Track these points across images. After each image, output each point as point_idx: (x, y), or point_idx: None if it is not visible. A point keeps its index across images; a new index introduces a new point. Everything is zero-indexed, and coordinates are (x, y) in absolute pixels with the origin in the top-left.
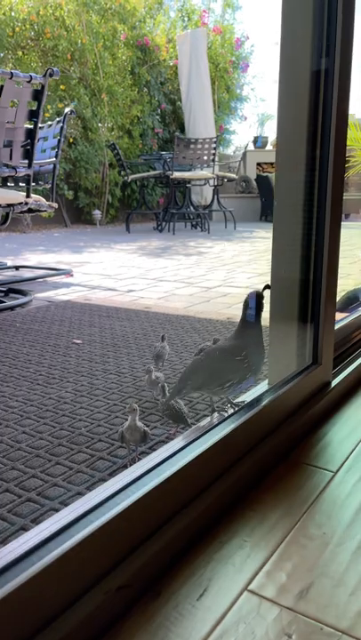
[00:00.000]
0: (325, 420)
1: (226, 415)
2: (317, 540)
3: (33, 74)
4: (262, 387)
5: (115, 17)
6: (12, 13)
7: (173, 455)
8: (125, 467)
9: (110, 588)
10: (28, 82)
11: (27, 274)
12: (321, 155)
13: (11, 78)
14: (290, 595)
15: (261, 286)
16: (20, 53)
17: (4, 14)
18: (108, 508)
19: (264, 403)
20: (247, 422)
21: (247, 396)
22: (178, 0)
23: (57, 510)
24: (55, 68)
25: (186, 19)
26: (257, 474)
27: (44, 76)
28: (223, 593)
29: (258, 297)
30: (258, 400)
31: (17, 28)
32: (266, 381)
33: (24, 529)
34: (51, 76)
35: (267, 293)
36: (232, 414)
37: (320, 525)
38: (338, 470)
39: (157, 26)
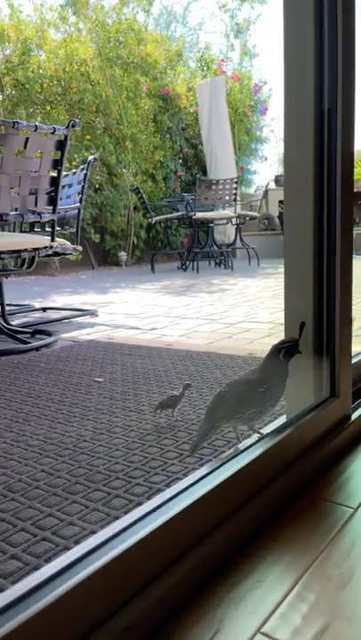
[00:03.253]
0: (345, 455)
1: (246, 445)
2: (334, 581)
3: (56, 125)
4: (280, 421)
5: (137, 70)
6: (41, 71)
7: (184, 490)
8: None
9: (116, 629)
10: (52, 133)
11: (53, 315)
12: (328, 191)
13: (35, 130)
14: (304, 638)
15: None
16: (49, 108)
17: (32, 72)
18: (110, 548)
19: (281, 436)
20: (264, 455)
21: (265, 430)
22: (197, 51)
23: (69, 549)
24: (77, 120)
25: (205, 68)
26: (273, 510)
27: (67, 127)
28: (235, 636)
29: (291, 346)
30: (275, 433)
31: (45, 85)
32: (283, 417)
33: (37, 569)
34: (73, 127)
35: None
36: (249, 446)
37: (338, 565)
38: (358, 507)
39: (178, 76)
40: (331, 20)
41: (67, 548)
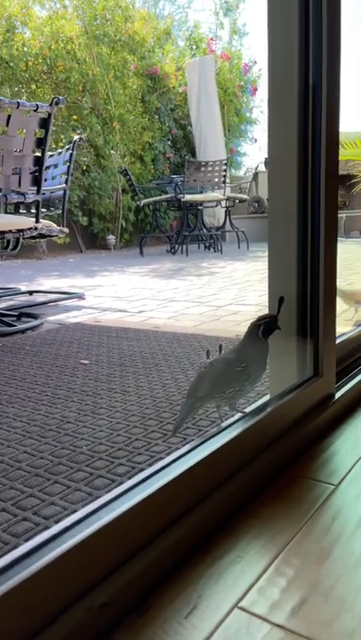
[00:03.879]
0: (329, 433)
1: (228, 422)
2: (314, 556)
3: (40, 103)
4: (264, 399)
5: (124, 48)
6: (25, 49)
7: (166, 466)
8: None
9: (92, 605)
10: (35, 110)
11: (39, 298)
12: (313, 170)
13: (17, 108)
14: (282, 612)
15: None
16: (34, 87)
17: (17, 50)
18: (87, 524)
19: (263, 414)
20: (246, 433)
21: (248, 409)
22: (186, 30)
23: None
24: (61, 97)
25: (194, 47)
26: (256, 486)
27: (51, 104)
28: (212, 610)
29: (270, 321)
30: (259, 410)
31: (30, 63)
32: (267, 396)
33: (16, 547)
34: (57, 104)
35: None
36: (231, 424)
37: (317, 540)
38: (339, 483)
39: (166, 55)
40: None
41: (47, 528)
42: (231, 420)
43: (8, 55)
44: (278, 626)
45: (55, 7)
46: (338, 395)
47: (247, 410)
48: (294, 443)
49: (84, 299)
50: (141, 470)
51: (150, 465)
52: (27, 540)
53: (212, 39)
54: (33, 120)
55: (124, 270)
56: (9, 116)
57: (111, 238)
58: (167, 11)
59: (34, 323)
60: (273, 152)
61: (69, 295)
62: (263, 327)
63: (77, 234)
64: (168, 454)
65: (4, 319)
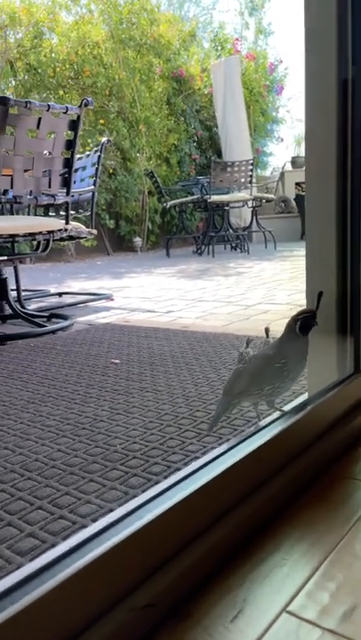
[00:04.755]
0: None
1: (267, 422)
2: None
3: (69, 105)
4: (303, 399)
5: (150, 51)
6: (53, 54)
7: (203, 466)
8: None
9: (135, 606)
10: (65, 113)
11: (69, 300)
12: (353, 163)
13: (48, 110)
14: (333, 616)
15: (302, 302)
16: (61, 92)
17: (45, 56)
18: (127, 524)
19: (303, 413)
20: (286, 431)
21: (286, 408)
22: (211, 31)
23: (86, 527)
24: (90, 98)
25: (219, 48)
26: (297, 487)
27: (80, 106)
28: (259, 614)
29: (308, 317)
30: (298, 409)
31: (58, 69)
32: (305, 395)
33: (54, 546)
34: (86, 106)
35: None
36: (270, 423)
37: None
38: None
39: (191, 57)
40: None
41: (84, 526)
42: (269, 418)
43: (36, 61)
44: (330, 631)
45: (81, 12)
46: None
47: (285, 408)
48: (335, 442)
49: (112, 300)
50: (177, 470)
51: (186, 464)
52: (64, 539)
53: (237, 39)
54: (62, 122)
55: (151, 272)
56: (39, 119)
57: (138, 240)
58: (192, 12)
59: (64, 323)
60: (310, 145)
61: (98, 296)
62: (301, 322)
63: (104, 236)
64: (203, 453)
65: (36, 320)
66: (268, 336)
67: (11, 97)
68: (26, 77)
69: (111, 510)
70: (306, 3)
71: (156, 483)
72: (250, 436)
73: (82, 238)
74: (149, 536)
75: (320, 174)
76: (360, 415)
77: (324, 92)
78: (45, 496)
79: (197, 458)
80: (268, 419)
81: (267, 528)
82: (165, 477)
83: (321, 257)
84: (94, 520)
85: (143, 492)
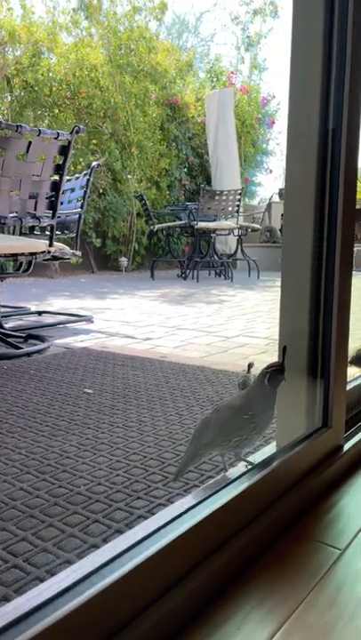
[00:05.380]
0: (335, 489)
1: (234, 476)
2: (316, 631)
3: (60, 131)
4: (270, 449)
5: (146, 78)
6: (50, 74)
7: (166, 524)
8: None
9: None
10: (56, 138)
11: (48, 319)
12: (330, 208)
13: (39, 135)
14: None
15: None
16: (57, 111)
17: (42, 74)
18: (76, 593)
19: (269, 468)
20: (250, 489)
21: (254, 458)
22: (208, 62)
23: (42, 580)
24: (81, 126)
25: (214, 79)
26: (260, 547)
27: (71, 133)
28: None
29: (276, 370)
30: (265, 463)
31: (54, 88)
32: (274, 443)
33: (6, 599)
34: (77, 133)
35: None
36: (236, 478)
37: (321, 613)
38: (346, 549)
39: (187, 86)
40: (340, 39)
41: (37, 578)
42: (235, 470)
43: (33, 79)
44: None
45: (81, 35)
46: (346, 446)
47: (252, 459)
48: (300, 499)
49: (92, 322)
50: (140, 517)
51: (149, 511)
52: (16, 592)
53: (232, 72)
54: (53, 147)
55: (134, 294)
56: (29, 143)
57: (123, 260)
58: (190, 43)
59: (40, 346)
60: (290, 187)
61: (78, 318)
62: (269, 376)
63: (90, 254)
64: (169, 500)
65: (11, 340)
66: (248, 371)
67: (1, 120)
68: (22, 94)
69: (68, 562)
70: (292, 53)
71: (118, 531)
72: (213, 493)
73: (66, 259)
74: (99, 606)
75: (299, 217)
76: (325, 470)
77: (306, 138)
78: (1, 541)
79: (162, 505)
80: (234, 470)
81: (227, 590)
82: (129, 527)
83: (295, 297)
84: (48, 572)
85: (104, 540)
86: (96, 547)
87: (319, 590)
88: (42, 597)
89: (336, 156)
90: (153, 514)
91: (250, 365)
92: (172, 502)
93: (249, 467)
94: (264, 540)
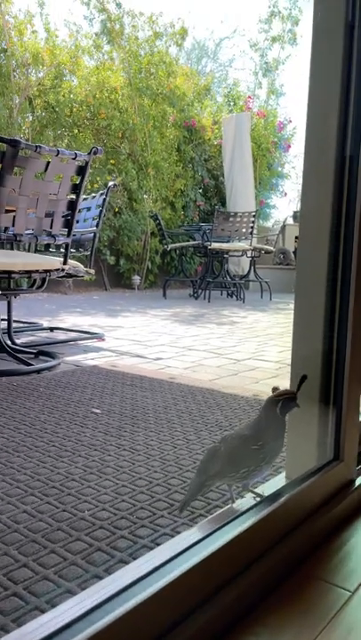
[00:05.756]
0: (346, 526)
1: (242, 509)
2: None
3: (78, 151)
4: (280, 479)
5: (165, 101)
6: (71, 95)
7: (170, 561)
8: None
9: None
10: (73, 159)
11: (60, 336)
12: (346, 231)
13: (57, 155)
14: None
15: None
16: (76, 131)
17: (63, 96)
18: (81, 628)
19: (279, 502)
20: (261, 522)
21: (263, 489)
22: (225, 87)
23: (42, 610)
24: (99, 147)
25: (232, 103)
26: (267, 587)
27: (89, 153)
28: None
29: (289, 399)
30: (273, 498)
31: (74, 109)
32: (283, 474)
33: (4, 630)
34: (95, 154)
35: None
36: (243, 512)
37: None
38: (356, 590)
39: (205, 109)
40: (359, 67)
41: (37, 608)
42: (243, 501)
43: (55, 100)
44: None
45: (103, 58)
46: (358, 481)
47: (260, 490)
48: (310, 536)
49: (103, 340)
50: (144, 547)
51: (153, 540)
52: (14, 622)
53: (249, 97)
54: (70, 167)
55: (146, 312)
56: (48, 163)
57: (136, 278)
58: (209, 68)
59: (51, 363)
60: (305, 210)
61: (90, 335)
62: (282, 404)
63: (104, 272)
64: (173, 529)
65: (22, 356)
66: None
67: (21, 140)
68: (43, 114)
69: (69, 592)
70: (311, 81)
71: (121, 561)
72: (217, 529)
73: (79, 277)
74: None
75: (314, 245)
76: (336, 506)
77: (322, 164)
78: (2, 567)
79: (166, 535)
80: (241, 502)
81: (229, 633)
82: (134, 558)
83: (308, 326)
84: (48, 602)
85: (106, 570)
86: (98, 577)
87: (328, 632)
88: (41, 633)
89: (353, 182)
90: (157, 544)
91: (274, 389)
92: (177, 532)
93: (258, 499)
94: (272, 577)
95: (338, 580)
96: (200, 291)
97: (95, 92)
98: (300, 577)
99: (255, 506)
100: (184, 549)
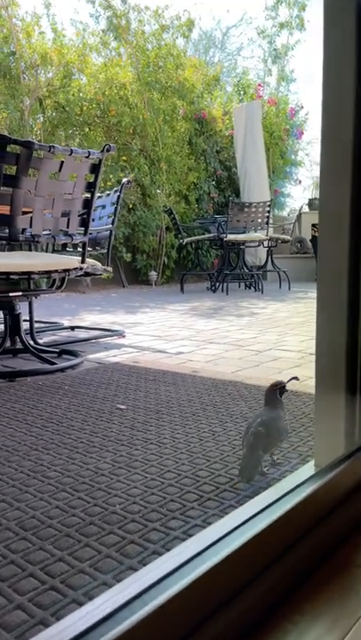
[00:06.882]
0: None
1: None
2: None
3: (91, 150)
4: (308, 468)
5: (174, 94)
6: (81, 94)
7: (206, 549)
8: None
9: None
10: (87, 157)
11: (81, 334)
12: None
13: (70, 154)
14: None
15: (313, 350)
16: (87, 129)
17: (73, 95)
18: (120, 620)
19: (308, 490)
20: (289, 513)
21: (290, 481)
22: (235, 76)
23: (79, 603)
24: (112, 145)
25: (242, 92)
26: (297, 576)
27: (102, 151)
28: None
29: (283, 386)
30: (302, 486)
31: (85, 107)
32: (311, 462)
33: (43, 623)
34: (108, 151)
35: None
36: (268, 505)
37: None
38: None
39: (215, 100)
40: None
41: (75, 601)
42: (269, 494)
43: (64, 100)
44: None
45: (110, 55)
46: None
47: (287, 480)
48: (342, 523)
49: (124, 336)
50: (176, 539)
51: (185, 532)
52: (53, 615)
53: (259, 85)
54: (84, 165)
55: (165, 307)
56: (62, 162)
57: (153, 274)
58: (217, 58)
59: (74, 361)
60: (324, 197)
61: (110, 333)
62: (279, 391)
63: (121, 269)
64: (204, 521)
65: (46, 356)
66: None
67: (35, 141)
68: (54, 114)
69: (105, 584)
70: (324, 65)
71: (155, 552)
72: (251, 517)
73: (97, 275)
74: (136, 635)
75: (334, 229)
76: None
77: (340, 146)
78: (38, 561)
79: (198, 526)
80: (268, 494)
81: (265, 622)
82: (167, 549)
83: (331, 312)
84: (85, 594)
85: (140, 562)
86: (133, 569)
87: None
88: (81, 626)
89: None
90: (189, 535)
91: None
92: (208, 523)
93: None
94: (304, 567)
95: None
96: (218, 283)
97: (104, 89)
98: (332, 565)
99: (281, 498)
100: (216, 540)
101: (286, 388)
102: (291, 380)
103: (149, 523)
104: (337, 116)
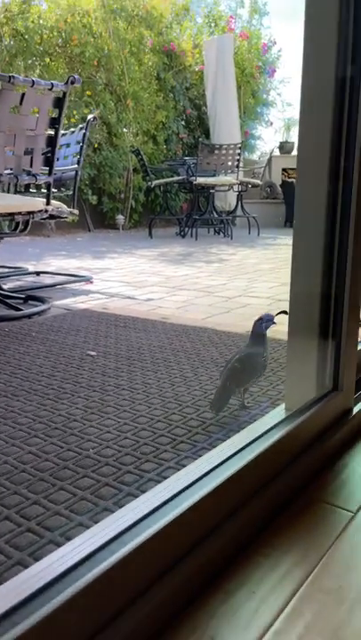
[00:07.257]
0: (345, 452)
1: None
2: (333, 595)
3: (54, 81)
4: (279, 411)
5: (141, 23)
6: (41, 21)
7: (180, 493)
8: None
9: None
10: (50, 89)
11: (47, 280)
12: (346, 164)
13: (32, 86)
14: None
15: (282, 296)
16: (48, 60)
17: (32, 22)
18: (97, 561)
19: (280, 433)
20: (262, 455)
21: (262, 423)
22: (205, 7)
23: (57, 544)
24: (77, 76)
25: (213, 25)
26: (270, 513)
27: (66, 83)
28: None
29: (270, 318)
30: (273, 429)
31: (45, 36)
32: (282, 406)
33: (21, 564)
34: (72, 83)
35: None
36: (244, 446)
37: (337, 577)
38: (358, 511)
39: (184, 32)
40: None
41: (52, 542)
42: (241, 437)
43: (23, 27)
44: None
45: None
46: (356, 409)
47: (259, 422)
48: (311, 463)
49: (91, 282)
50: (150, 481)
51: (159, 474)
52: (30, 555)
53: (231, 17)
54: (47, 99)
55: (133, 253)
56: (23, 95)
57: (120, 218)
58: None
59: (41, 307)
60: (303, 142)
61: (77, 278)
62: (265, 324)
63: (86, 212)
64: (177, 463)
65: (11, 302)
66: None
67: None
68: (12, 43)
69: (81, 524)
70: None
71: (129, 494)
72: (227, 459)
73: (63, 218)
74: (116, 574)
75: (312, 176)
76: (335, 434)
77: (320, 89)
78: (13, 505)
79: (171, 468)
80: (239, 437)
81: (241, 555)
82: (142, 491)
83: (307, 258)
84: (62, 535)
85: (115, 504)
86: (109, 510)
87: (334, 552)
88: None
89: (353, 108)
90: (163, 477)
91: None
92: (182, 465)
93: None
94: (275, 505)
95: (340, 502)
96: (187, 229)
97: (66, 17)
98: (303, 501)
99: (254, 441)
100: (190, 484)
101: (275, 320)
102: (279, 313)
103: (123, 466)
104: (318, 50)
